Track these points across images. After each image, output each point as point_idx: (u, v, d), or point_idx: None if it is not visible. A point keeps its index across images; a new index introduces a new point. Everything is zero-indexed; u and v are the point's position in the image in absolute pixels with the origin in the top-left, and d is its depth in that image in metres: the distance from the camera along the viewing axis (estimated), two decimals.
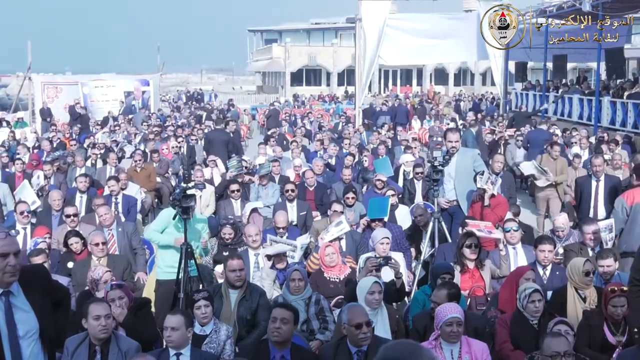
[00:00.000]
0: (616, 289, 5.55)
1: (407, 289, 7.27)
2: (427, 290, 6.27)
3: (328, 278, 6.99)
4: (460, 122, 23.61)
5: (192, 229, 6.82)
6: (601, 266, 6.49)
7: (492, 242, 7.60)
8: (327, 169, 13.22)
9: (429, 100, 36.69)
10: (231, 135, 15.87)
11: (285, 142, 17.69)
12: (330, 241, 7.50)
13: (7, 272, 3.68)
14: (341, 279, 6.96)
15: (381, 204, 8.59)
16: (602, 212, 9.34)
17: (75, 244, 7.73)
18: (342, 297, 6.72)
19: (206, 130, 18.63)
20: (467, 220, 7.56)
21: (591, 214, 9.32)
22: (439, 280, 6.20)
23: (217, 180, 12.44)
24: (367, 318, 5.02)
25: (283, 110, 31.65)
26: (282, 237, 8.08)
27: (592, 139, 16.05)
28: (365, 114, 25.75)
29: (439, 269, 6.46)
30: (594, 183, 9.46)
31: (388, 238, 7.24)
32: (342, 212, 8.60)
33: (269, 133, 20.16)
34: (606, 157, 11.70)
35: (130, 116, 25.06)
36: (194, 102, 40.09)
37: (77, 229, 8.43)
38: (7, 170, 13.43)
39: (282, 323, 4.98)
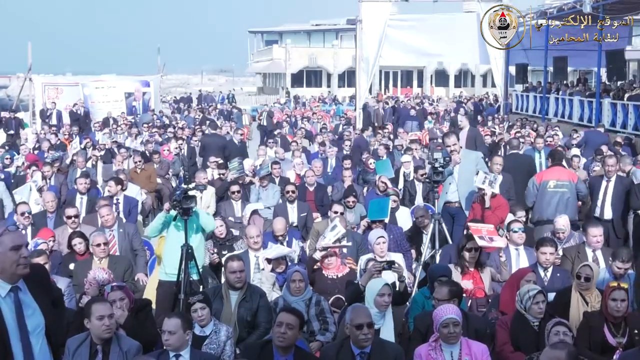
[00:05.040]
0: (616, 284, 5.59)
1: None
2: (426, 292, 6.29)
3: (326, 275, 7.05)
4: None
5: (193, 226, 6.82)
6: (619, 268, 6.56)
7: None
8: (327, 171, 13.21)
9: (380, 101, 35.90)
10: (227, 139, 15.91)
11: (285, 143, 17.68)
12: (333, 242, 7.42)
13: (20, 264, 3.72)
14: (339, 276, 7.03)
15: (381, 205, 8.59)
16: (608, 212, 9.33)
17: (78, 244, 7.75)
18: (340, 296, 6.76)
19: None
20: (469, 224, 7.56)
21: (597, 214, 9.34)
22: (436, 283, 6.22)
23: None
24: (369, 319, 5.02)
25: (283, 111, 31.62)
26: (281, 244, 8.07)
27: None
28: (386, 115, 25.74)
29: (436, 271, 6.49)
30: (604, 183, 9.45)
31: (383, 237, 7.24)
32: (342, 213, 8.62)
33: (275, 133, 20.15)
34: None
35: (130, 117, 25.08)
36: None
37: (77, 230, 8.44)
38: (6, 170, 13.45)
39: (287, 328, 4.93)
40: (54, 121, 24.50)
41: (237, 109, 31.08)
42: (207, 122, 23.18)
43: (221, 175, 12.03)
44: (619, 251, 6.81)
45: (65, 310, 5.36)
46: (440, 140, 14.87)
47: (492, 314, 6.11)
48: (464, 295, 6.32)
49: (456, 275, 6.80)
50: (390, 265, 6.38)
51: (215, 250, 8.05)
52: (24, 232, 8.63)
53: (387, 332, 5.63)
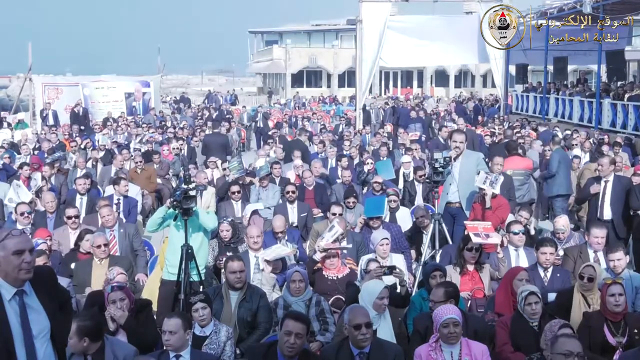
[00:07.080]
0: (611, 280, 5.66)
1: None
2: (424, 294, 6.26)
3: (326, 276, 7.06)
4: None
5: (194, 226, 6.82)
6: (611, 260, 6.60)
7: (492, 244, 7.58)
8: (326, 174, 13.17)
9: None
10: (228, 138, 15.97)
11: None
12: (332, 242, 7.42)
13: (22, 269, 3.65)
14: (339, 277, 7.03)
15: (378, 202, 8.61)
16: (607, 213, 9.23)
17: (87, 241, 7.70)
18: (340, 297, 6.77)
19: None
20: (465, 222, 7.56)
21: (597, 215, 9.29)
22: (430, 279, 6.27)
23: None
24: (367, 319, 5.02)
25: (284, 111, 31.64)
26: (280, 241, 8.07)
27: (591, 141, 16.02)
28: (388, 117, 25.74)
29: (429, 267, 6.56)
30: (602, 184, 9.36)
31: (387, 239, 7.26)
32: (341, 214, 8.62)
33: (269, 133, 20.18)
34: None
35: (130, 117, 25.09)
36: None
37: (77, 230, 8.43)
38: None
39: (296, 338, 4.81)
40: (50, 121, 24.55)
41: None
42: (209, 122, 23.26)
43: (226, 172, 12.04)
44: (611, 245, 6.91)
45: (72, 315, 5.32)
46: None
47: (487, 316, 6.07)
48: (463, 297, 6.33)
49: (455, 276, 6.80)
50: (391, 270, 6.38)
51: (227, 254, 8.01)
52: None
53: (385, 332, 5.62)
